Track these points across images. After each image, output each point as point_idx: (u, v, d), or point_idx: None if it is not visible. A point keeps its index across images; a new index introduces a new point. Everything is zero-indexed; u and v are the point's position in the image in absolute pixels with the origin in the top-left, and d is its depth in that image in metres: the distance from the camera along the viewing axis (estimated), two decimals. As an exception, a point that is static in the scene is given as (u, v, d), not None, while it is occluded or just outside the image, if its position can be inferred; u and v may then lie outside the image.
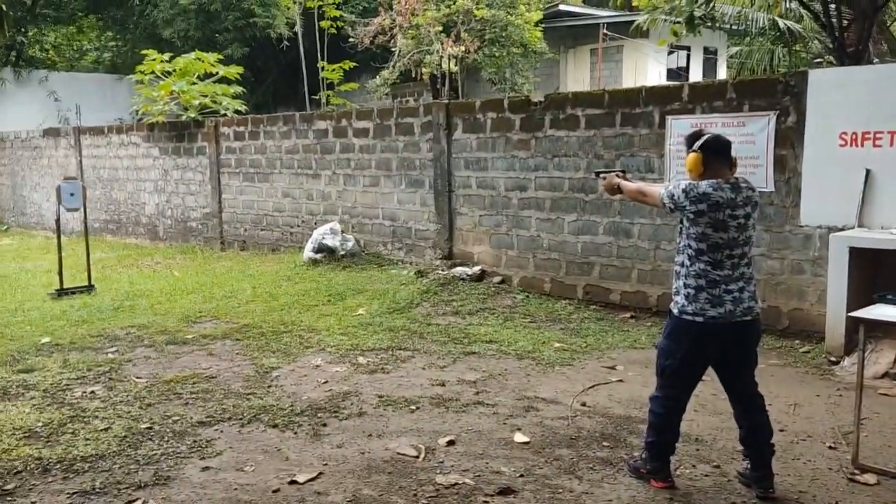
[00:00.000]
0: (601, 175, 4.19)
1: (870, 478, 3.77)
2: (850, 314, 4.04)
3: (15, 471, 3.91)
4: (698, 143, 3.50)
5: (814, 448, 4.15)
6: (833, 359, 5.65)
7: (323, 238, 9.56)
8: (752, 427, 3.60)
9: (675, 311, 3.53)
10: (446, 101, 9.00)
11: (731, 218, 3.41)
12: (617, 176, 4.00)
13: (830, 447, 4.16)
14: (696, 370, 3.59)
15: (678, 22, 10.70)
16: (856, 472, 3.83)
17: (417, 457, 4.05)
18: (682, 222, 3.55)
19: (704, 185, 3.42)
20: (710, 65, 20.22)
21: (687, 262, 3.50)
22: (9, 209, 17.03)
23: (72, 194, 8.79)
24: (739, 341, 3.53)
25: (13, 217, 16.79)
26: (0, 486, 3.73)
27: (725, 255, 3.44)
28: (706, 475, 3.81)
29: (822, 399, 4.95)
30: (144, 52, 13.53)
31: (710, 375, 5.11)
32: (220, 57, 13.49)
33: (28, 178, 16.19)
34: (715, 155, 3.48)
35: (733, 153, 3.58)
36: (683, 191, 3.44)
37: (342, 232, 9.73)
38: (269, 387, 5.26)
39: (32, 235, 15.28)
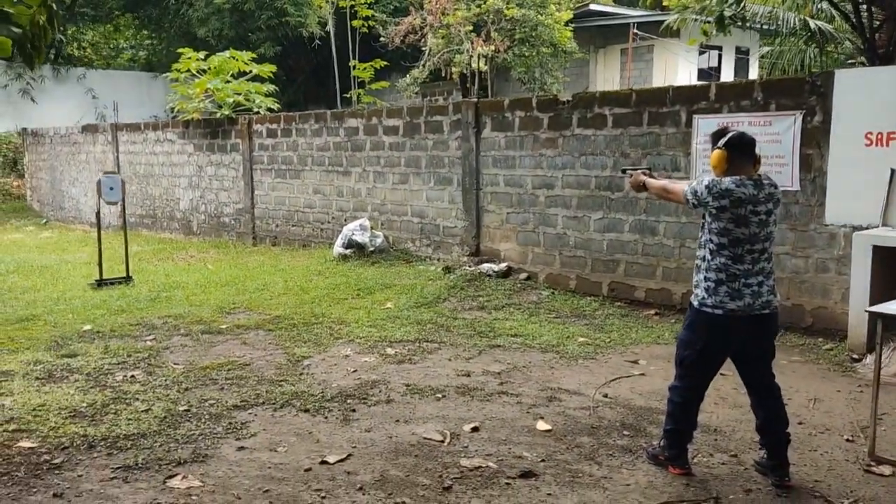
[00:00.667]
0: (628, 172, 4.30)
1: (885, 469, 3.85)
2: (867, 309, 4.11)
3: (62, 446, 4.14)
4: (723, 141, 3.59)
5: (831, 440, 4.23)
6: (855, 356, 5.70)
7: (353, 234, 9.77)
8: (768, 416, 3.71)
9: (696, 303, 3.64)
10: (475, 100, 9.15)
11: (752, 214, 3.50)
12: (643, 174, 4.12)
13: (848, 440, 4.23)
14: (714, 361, 3.70)
15: (708, 21, 10.73)
16: (872, 463, 3.91)
17: (443, 441, 4.21)
18: (704, 217, 3.66)
19: (727, 182, 3.51)
20: (741, 64, 20.09)
21: (708, 257, 3.60)
22: (48, 203, 17.54)
23: (111, 188, 9.10)
24: (757, 334, 3.63)
25: (52, 211, 17.28)
26: (49, 460, 3.96)
27: (746, 250, 3.53)
28: (723, 463, 3.92)
29: (843, 395, 5.01)
30: (180, 50, 13.88)
31: (731, 370, 5.21)
32: (254, 56, 13.79)
33: (66, 174, 16.65)
34: (739, 152, 3.57)
35: (758, 151, 3.66)
36: (706, 187, 3.53)
37: (371, 228, 9.93)
38: (301, 374, 5.45)
39: (71, 229, 15.72)
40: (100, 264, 8.94)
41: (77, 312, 7.44)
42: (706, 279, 3.60)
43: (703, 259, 3.63)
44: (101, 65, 26.02)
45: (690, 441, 3.83)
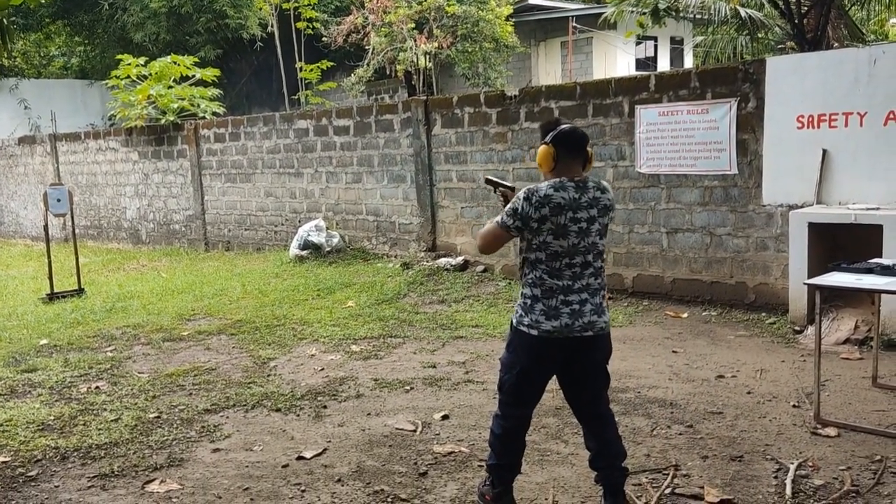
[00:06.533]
0: (492, 182, 3.63)
1: (831, 431, 4.12)
2: (806, 281, 4.39)
3: (35, 459, 4.14)
4: (551, 136, 3.17)
5: (779, 407, 4.51)
6: (797, 328, 6.03)
7: (308, 235, 9.80)
8: (599, 450, 3.25)
9: (514, 321, 3.20)
10: (425, 98, 9.28)
11: (572, 221, 3.05)
12: (504, 195, 3.44)
13: (795, 406, 4.51)
14: (534, 386, 3.23)
15: (644, 13, 11.06)
16: (818, 426, 4.18)
17: (415, 431, 4.35)
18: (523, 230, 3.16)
19: (544, 187, 3.07)
20: (676, 54, 20.69)
21: (527, 270, 3.17)
22: (-14, 218, 17.01)
23: (58, 200, 8.95)
24: (580, 358, 3.16)
25: (-9, 226, 16.77)
26: (24, 473, 3.96)
27: (565, 264, 3.09)
28: (680, 434, 4.14)
29: (787, 365, 5.31)
30: (119, 56, 13.64)
31: (681, 347, 5.46)
32: (196, 60, 13.63)
33: (4, 187, 16.19)
34: (567, 150, 3.15)
35: (589, 149, 3.25)
36: (525, 199, 3.06)
37: (327, 228, 9.98)
38: (269, 376, 5.51)
39: (12, 244, 15.30)
40: (50, 277, 8.80)
41: (31, 327, 7.33)
42: (523, 295, 3.16)
43: (522, 272, 3.20)
44: (32, 74, 25.22)
45: (513, 478, 3.35)
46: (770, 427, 4.22)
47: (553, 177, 3.15)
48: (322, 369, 5.60)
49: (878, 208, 5.77)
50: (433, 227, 9.08)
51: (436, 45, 15.30)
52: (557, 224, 3.04)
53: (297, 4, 15.14)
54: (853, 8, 14.27)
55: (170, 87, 12.80)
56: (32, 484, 3.85)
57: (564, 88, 7.98)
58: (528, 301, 3.13)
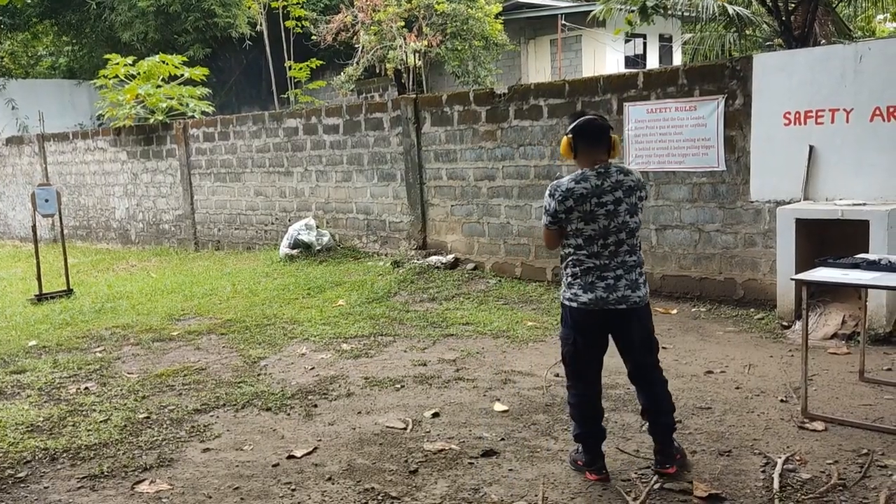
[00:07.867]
0: None
1: (818, 425, 4.14)
2: (793, 277, 4.41)
3: (24, 461, 4.12)
4: (570, 127, 3.49)
5: (767, 402, 4.53)
6: (785, 323, 6.07)
7: (298, 234, 9.79)
8: (648, 405, 3.62)
9: (560, 297, 3.61)
10: (414, 96, 9.27)
11: (598, 206, 3.38)
12: None
13: (782, 400, 4.54)
14: (589, 354, 3.57)
15: (632, 11, 11.10)
16: (805, 420, 4.20)
17: (405, 429, 4.35)
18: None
19: (566, 182, 3.43)
20: (665, 52, 20.75)
21: (567, 254, 3.54)
22: (-27, 220, 16.87)
23: (46, 200, 8.90)
24: (620, 329, 3.52)
25: (-22, 227, 16.64)
26: (13, 475, 3.94)
27: (600, 245, 3.43)
28: (670, 429, 4.17)
29: (776, 360, 5.35)
30: (107, 56, 13.57)
31: (671, 343, 5.49)
32: (184, 59, 13.58)
33: (-8, 188, 16.07)
34: (584, 139, 3.45)
35: (613, 136, 3.54)
36: (550, 196, 3.45)
37: (317, 227, 9.97)
38: (259, 375, 5.50)
39: (0, 245, 15.20)
40: (38, 278, 8.75)
41: (20, 328, 7.29)
42: (566, 275, 3.54)
43: (565, 255, 3.57)
44: (20, 74, 25.06)
45: (601, 442, 3.63)
46: (758, 422, 4.24)
47: (577, 164, 3.49)
48: (312, 368, 5.60)
49: (864, 204, 5.81)
50: (423, 225, 9.08)
51: (425, 43, 15.30)
52: (584, 212, 3.38)
53: (286, 3, 15.10)
54: (840, 5, 14.36)
55: (158, 86, 12.75)
56: (22, 485, 3.83)
57: (553, 86, 7.99)
58: (569, 279, 3.51)
